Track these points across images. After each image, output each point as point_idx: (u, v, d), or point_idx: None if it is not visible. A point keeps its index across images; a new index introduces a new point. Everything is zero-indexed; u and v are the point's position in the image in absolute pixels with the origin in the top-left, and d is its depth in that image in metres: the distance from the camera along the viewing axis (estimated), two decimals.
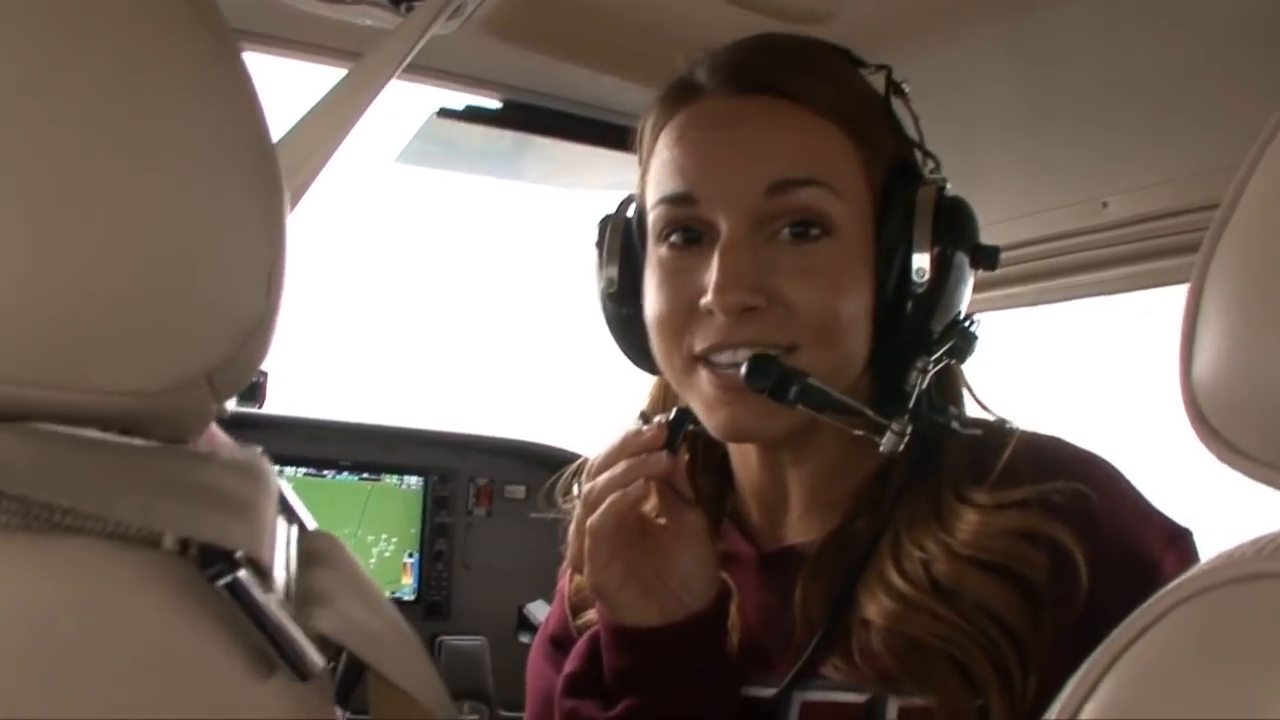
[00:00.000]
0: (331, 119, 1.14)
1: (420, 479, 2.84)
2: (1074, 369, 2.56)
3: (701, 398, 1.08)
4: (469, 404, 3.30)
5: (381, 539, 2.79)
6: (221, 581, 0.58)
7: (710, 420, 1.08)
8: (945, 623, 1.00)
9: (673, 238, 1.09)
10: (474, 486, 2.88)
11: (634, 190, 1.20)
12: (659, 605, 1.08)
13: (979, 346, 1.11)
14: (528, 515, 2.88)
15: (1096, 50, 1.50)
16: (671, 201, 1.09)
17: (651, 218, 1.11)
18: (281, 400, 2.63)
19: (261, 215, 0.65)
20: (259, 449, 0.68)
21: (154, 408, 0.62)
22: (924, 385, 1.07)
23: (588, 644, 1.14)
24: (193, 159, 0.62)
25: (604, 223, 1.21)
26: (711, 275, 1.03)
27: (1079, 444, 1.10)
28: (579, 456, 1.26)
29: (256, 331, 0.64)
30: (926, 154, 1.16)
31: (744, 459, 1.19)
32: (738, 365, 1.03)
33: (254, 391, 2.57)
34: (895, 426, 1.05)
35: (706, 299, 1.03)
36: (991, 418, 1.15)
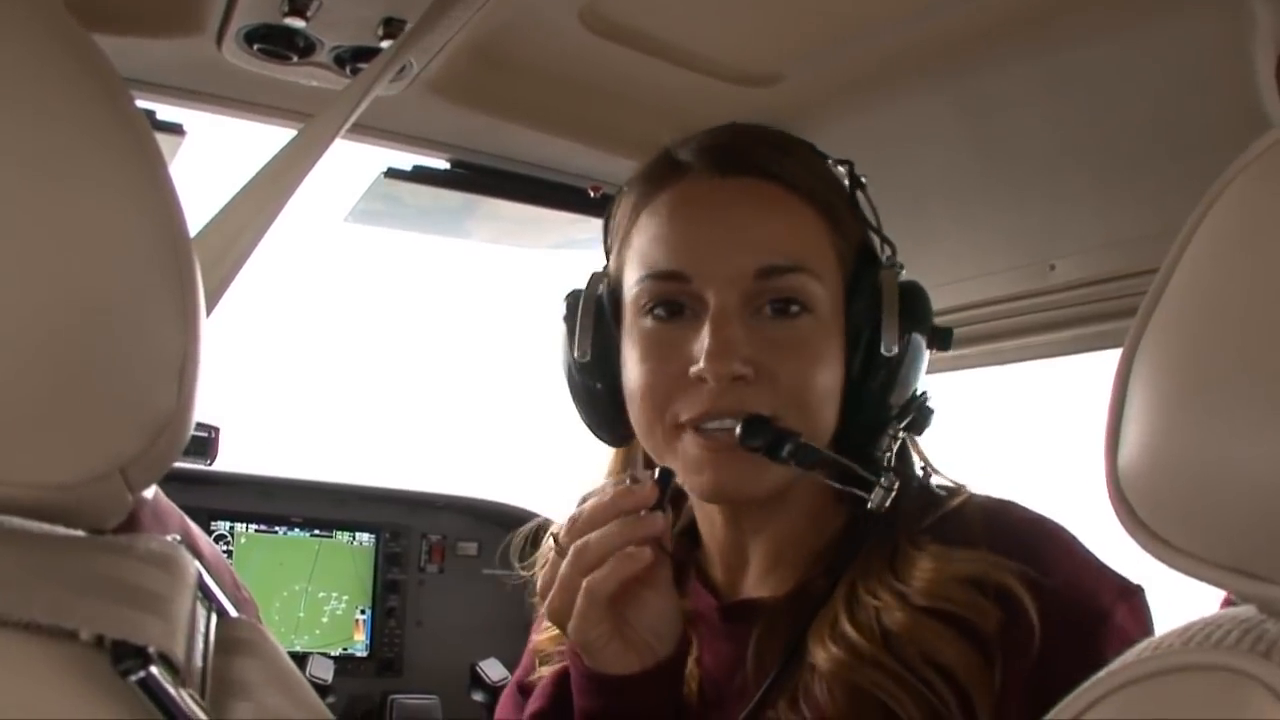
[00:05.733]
0: (278, 179, 1.15)
1: (372, 536, 2.83)
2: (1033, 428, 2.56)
3: (686, 461, 1.11)
4: (421, 461, 3.28)
5: (333, 596, 2.77)
6: (134, 677, 0.58)
7: (694, 481, 1.11)
8: (889, 674, 1.02)
9: (657, 310, 1.12)
10: (426, 543, 2.87)
11: (589, 256, 1.21)
12: (637, 654, 1.10)
13: (934, 420, 1.16)
14: (480, 572, 2.88)
15: (1043, 114, 1.51)
16: (661, 278, 1.12)
17: (634, 292, 1.14)
18: (233, 456, 2.61)
19: (174, 309, 0.64)
20: (177, 537, 0.67)
21: (67, 500, 0.62)
22: (894, 451, 1.13)
23: (553, 683, 1.18)
24: (102, 252, 0.61)
25: (573, 297, 1.22)
26: (703, 344, 1.07)
27: (1030, 507, 1.12)
28: (530, 514, 1.26)
29: (169, 427, 0.63)
30: (884, 240, 1.20)
31: (709, 519, 1.22)
32: (725, 429, 1.07)
33: (205, 447, 2.54)
34: (884, 482, 1.08)
35: (698, 366, 1.07)
36: (945, 483, 1.18)
